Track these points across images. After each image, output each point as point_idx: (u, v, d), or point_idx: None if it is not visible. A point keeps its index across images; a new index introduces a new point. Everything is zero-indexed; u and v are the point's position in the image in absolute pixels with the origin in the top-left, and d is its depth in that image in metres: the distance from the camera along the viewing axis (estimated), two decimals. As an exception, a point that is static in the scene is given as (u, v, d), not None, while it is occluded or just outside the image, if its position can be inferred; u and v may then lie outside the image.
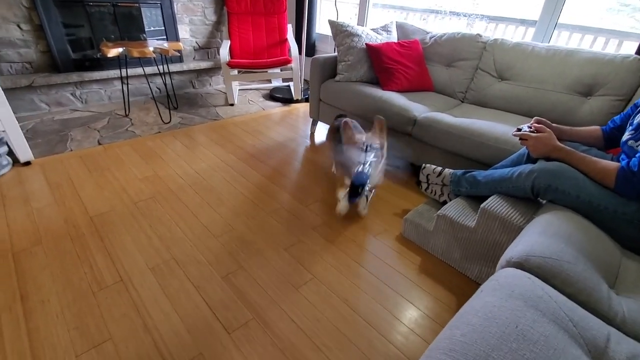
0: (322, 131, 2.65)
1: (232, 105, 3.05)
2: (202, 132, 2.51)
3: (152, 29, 2.90)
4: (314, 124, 2.60)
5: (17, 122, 1.85)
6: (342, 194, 1.61)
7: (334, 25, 2.28)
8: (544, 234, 0.95)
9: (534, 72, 1.90)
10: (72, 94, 2.68)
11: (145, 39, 2.82)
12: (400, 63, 2.18)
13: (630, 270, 0.92)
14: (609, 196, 1.03)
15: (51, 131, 2.34)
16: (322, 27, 3.65)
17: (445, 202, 1.56)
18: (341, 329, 1.12)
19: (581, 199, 1.05)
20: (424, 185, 1.65)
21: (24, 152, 1.92)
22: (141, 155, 2.12)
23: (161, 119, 2.62)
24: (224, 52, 2.84)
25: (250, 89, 3.52)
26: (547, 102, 1.84)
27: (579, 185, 1.07)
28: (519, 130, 1.29)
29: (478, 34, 2.15)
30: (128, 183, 1.83)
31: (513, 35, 2.60)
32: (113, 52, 2.23)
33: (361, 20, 3.19)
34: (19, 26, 2.34)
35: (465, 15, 2.78)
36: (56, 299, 1.16)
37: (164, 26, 2.94)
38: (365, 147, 1.45)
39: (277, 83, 3.61)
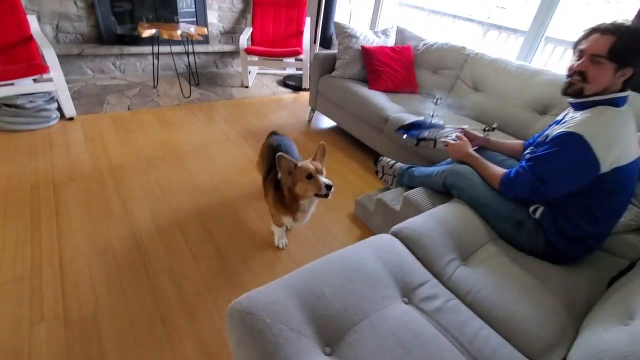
0: (318, 119, 2.97)
1: (246, 87, 3.41)
2: (215, 108, 2.90)
3: (184, 10, 3.29)
4: (312, 112, 2.92)
5: (66, 84, 2.31)
6: (278, 229, 1.57)
7: (337, 25, 2.56)
8: (428, 216, 1.24)
9: (502, 87, 2.10)
10: (113, 64, 3.14)
11: (177, 21, 3.22)
12: (389, 66, 2.43)
13: (487, 252, 1.19)
14: (492, 196, 1.29)
15: (92, 94, 2.81)
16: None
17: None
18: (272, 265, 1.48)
19: (473, 196, 1.33)
20: (380, 175, 1.94)
21: (70, 109, 2.39)
22: (160, 123, 2.55)
23: (182, 93, 3.04)
24: (244, 39, 3.19)
25: (267, 74, 3.87)
26: (508, 116, 2.05)
27: (472, 185, 1.34)
28: (447, 137, 1.57)
29: (463, 47, 2.35)
30: (145, 144, 2.26)
31: (507, 42, 2.75)
32: (147, 33, 2.64)
33: (374, 19, 3.41)
34: (75, 3, 2.80)
35: (477, 22, 2.94)
36: (79, 219, 1.60)
37: (195, 10, 3.33)
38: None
39: (291, 71, 3.92)
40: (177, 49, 3.23)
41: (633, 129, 1.12)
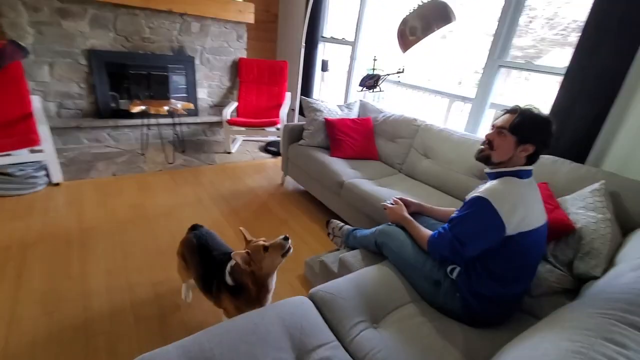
0: (289, 182, 3.15)
1: (229, 153, 3.68)
2: (195, 173, 3.12)
3: (178, 87, 3.71)
4: (284, 176, 3.11)
5: (55, 154, 2.56)
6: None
7: (303, 100, 2.87)
8: (347, 279, 1.32)
9: (447, 154, 2.29)
10: (108, 134, 3.47)
11: (169, 98, 3.61)
12: (349, 135, 2.67)
13: (402, 314, 1.24)
14: (417, 256, 1.38)
15: (84, 161, 3.08)
16: (320, 94, 4.30)
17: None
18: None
19: (398, 255, 1.42)
20: (331, 237, 2.04)
21: (57, 175, 2.62)
22: (139, 187, 2.74)
23: (167, 159, 3.30)
24: (227, 112, 3.54)
25: (252, 140, 4.18)
26: (452, 180, 2.20)
27: (400, 244, 1.44)
28: (386, 202, 1.70)
29: (414, 118, 2.60)
30: (119, 207, 2.43)
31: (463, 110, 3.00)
32: (137, 109, 2.98)
33: (346, 95, 3.79)
34: (78, 84, 3.21)
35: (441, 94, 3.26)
36: (38, 279, 1.69)
37: (187, 88, 3.75)
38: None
39: (273, 137, 4.24)
40: (168, 120, 3.58)
41: (537, 198, 1.24)
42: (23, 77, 2.66)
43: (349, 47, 3.64)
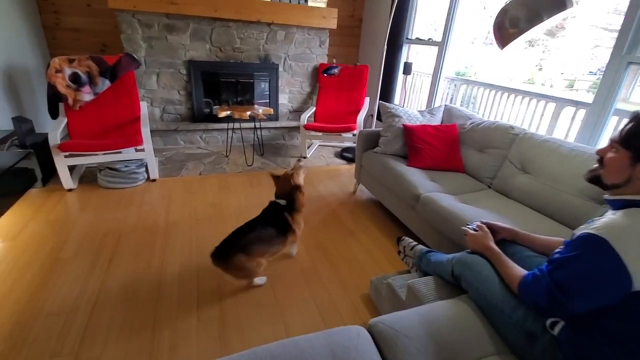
0: (362, 191, 3.00)
1: (304, 157, 3.70)
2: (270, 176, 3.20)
3: (261, 93, 3.89)
4: (357, 184, 2.98)
5: (153, 153, 2.88)
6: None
7: (381, 105, 2.70)
8: (414, 312, 1.13)
9: (552, 170, 1.88)
10: (199, 137, 3.81)
11: (253, 104, 3.80)
12: (429, 143, 2.41)
13: (484, 369, 1.00)
14: (504, 296, 1.11)
15: (177, 161, 3.41)
16: (401, 99, 4.07)
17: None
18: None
19: (480, 292, 1.17)
20: (402, 256, 1.83)
21: (154, 172, 2.93)
22: (219, 187, 2.91)
23: (246, 162, 3.46)
24: (304, 117, 3.57)
25: (328, 146, 4.16)
26: (558, 202, 1.79)
27: (481, 279, 1.19)
28: (468, 226, 1.44)
29: (511, 126, 2.22)
30: (200, 205, 2.59)
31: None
32: (223, 114, 3.18)
33: (430, 98, 3.49)
34: (178, 92, 3.59)
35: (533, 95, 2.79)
36: (125, 266, 1.88)
37: (269, 93, 3.90)
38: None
39: (349, 143, 4.13)
40: (250, 124, 3.77)
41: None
42: (135, 85, 3.05)
43: (435, 49, 3.35)
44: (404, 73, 3.39)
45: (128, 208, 2.49)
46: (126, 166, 2.76)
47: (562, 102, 2.46)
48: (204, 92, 3.66)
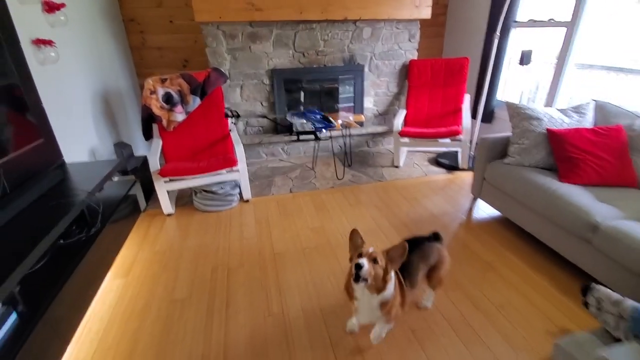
0: (482, 209, 2.55)
1: (397, 167, 3.32)
2: (366, 192, 2.88)
3: (345, 96, 3.58)
4: (474, 200, 2.54)
5: (247, 173, 2.70)
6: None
7: (511, 107, 2.23)
8: None
9: None
10: (281, 149, 3.61)
11: (338, 109, 3.51)
12: (590, 153, 1.90)
13: None
14: None
15: (264, 176, 3.23)
16: (503, 95, 3.51)
17: (619, 339, 1.27)
18: None
19: None
20: (593, 310, 1.39)
21: (247, 193, 2.76)
22: (315, 207, 2.66)
23: (336, 174, 3.17)
24: (398, 122, 3.18)
25: (419, 151, 3.73)
26: None
27: None
28: None
29: None
30: (302, 230, 2.35)
31: None
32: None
33: (552, 93, 2.91)
34: (261, 103, 3.42)
35: None
36: (243, 312, 1.67)
37: (354, 97, 3.58)
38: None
39: (444, 147, 3.66)
40: (337, 133, 3.48)
41: None
42: (222, 100, 2.91)
43: (561, 31, 2.76)
44: (521, 63, 2.84)
45: (229, 235, 2.33)
46: (222, 188, 2.61)
47: None
48: (286, 101, 3.45)
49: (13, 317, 1.25)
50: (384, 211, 2.56)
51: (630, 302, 1.29)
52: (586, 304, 1.44)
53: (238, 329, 1.58)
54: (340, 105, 3.58)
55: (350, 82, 3.51)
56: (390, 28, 3.39)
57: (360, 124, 3.42)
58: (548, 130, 2.05)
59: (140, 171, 2.60)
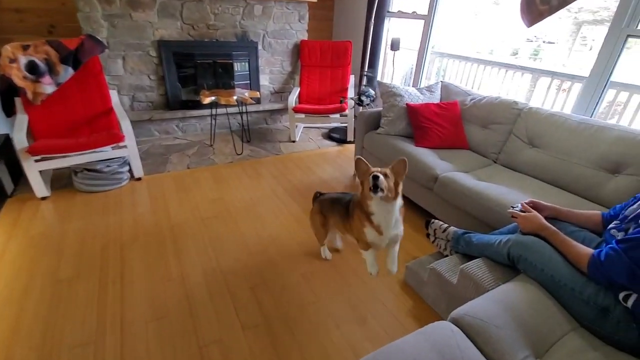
0: (365, 173, 2.98)
1: (293, 142, 3.57)
2: (264, 165, 3.05)
3: (240, 74, 3.62)
4: (357, 167, 2.94)
5: (137, 149, 2.58)
6: (367, 254, 1.57)
7: (381, 85, 2.64)
8: (491, 299, 1.14)
9: (563, 144, 1.98)
10: (176, 126, 3.49)
11: (234, 86, 3.53)
12: (435, 122, 2.42)
13: (568, 345, 1.05)
14: (570, 274, 1.16)
15: (158, 154, 3.11)
16: (384, 77, 4.02)
17: (447, 256, 1.75)
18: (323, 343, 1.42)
19: (545, 273, 1.20)
20: (432, 238, 1.86)
21: (139, 171, 2.65)
22: (214, 180, 2.72)
23: (235, 150, 3.25)
24: (292, 99, 3.40)
25: (314, 127, 4.04)
26: (572, 175, 1.90)
27: (544, 259, 1.22)
28: (513, 208, 1.47)
29: (514, 101, 2.28)
30: (201, 202, 2.40)
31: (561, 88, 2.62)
32: (207, 100, 2.92)
33: (417, 76, 3.48)
34: (149, 77, 3.22)
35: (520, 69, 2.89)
36: (141, 281, 1.70)
37: (249, 75, 3.64)
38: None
39: (336, 123, 4.05)
40: (232, 109, 3.51)
41: None
42: (102, 72, 2.68)
43: (421, 23, 3.31)
44: (392, 49, 3.32)
45: (120, 213, 2.24)
46: (108, 166, 2.45)
47: (559, 77, 2.57)
48: (177, 76, 3.32)
49: None
50: (281, 180, 2.78)
51: (452, 229, 1.77)
52: (428, 235, 1.90)
53: (135, 296, 1.61)
54: (236, 82, 3.61)
55: (245, 59, 3.55)
56: (281, 7, 3.53)
57: (257, 100, 3.52)
58: (407, 105, 2.51)
59: (2, 152, 2.25)
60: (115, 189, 2.51)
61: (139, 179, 2.66)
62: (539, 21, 1.50)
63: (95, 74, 2.65)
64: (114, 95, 2.77)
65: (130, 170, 2.65)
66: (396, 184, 1.41)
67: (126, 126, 2.48)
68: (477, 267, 1.40)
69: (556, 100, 2.70)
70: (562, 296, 1.16)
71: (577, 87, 2.43)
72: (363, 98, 3.17)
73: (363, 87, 3.28)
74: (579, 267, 1.16)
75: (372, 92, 3.20)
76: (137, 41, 3.04)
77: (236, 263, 1.85)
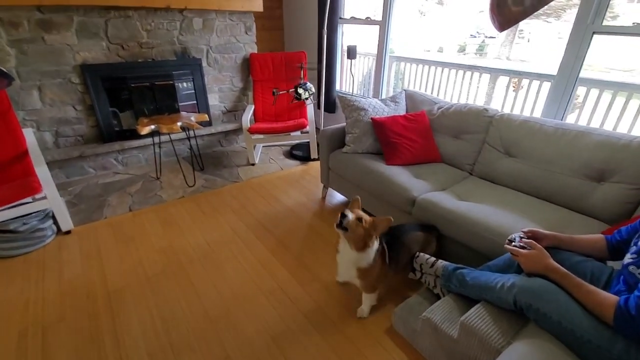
0: (332, 195, 2.73)
1: (253, 165, 3.25)
2: (221, 196, 2.70)
3: (185, 94, 3.24)
4: (324, 189, 2.69)
5: (60, 198, 2.15)
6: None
7: (342, 99, 2.40)
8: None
9: (541, 152, 1.84)
10: (115, 159, 3.04)
11: (178, 109, 3.15)
12: (404, 137, 2.22)
13: None
14: (593, 328, 0.96)
15: (93, 196, 2.66)
16: (343, 86, 3.82)
17: (439, 296, 1.53)
18: None
19: (563, 326, 1.00)
20: (418, 274, 1.63)
21: (66, 223, 2.21)
22: (162, 223, 2.33)
23: (186, 182, 2.87)
24: (246, 119, 3.08)
25: (274, 145, 3.73)
26: (555, 185, 1.76)
27: (560, 310, 1.02)
28: (510, 241, 1.27)
29: (485, 108, 2.14)
30: (145, 254, 2.02)
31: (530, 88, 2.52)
32: (146, 129, 2.53)
33: (377, 80, 3.31)
34: (74, 107, 2.76)
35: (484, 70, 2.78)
36: (64, 384, 1.31)
37: (195, 95, 3.28)
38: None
39: (297, 140, 3.78)
40: (181, 135, 3.13)
41: None
42: (11, 108, 2.22)
43: (376, 28, 3.13)
44: (348, 57, 3.12)
45: (43, 282, 1.81)
46: (24, 223, 2.00)
47: (527, 76, 2.46)
48: (109, 103, 2.88)
49: None
50: (242, 214, 2.45)
51: (440, 263, 1.55)
52: (413, 270, 1.67)
53: (56, 409, 1.23)
54: (182, 104, 3.23)
55: (189, 78, 3.19)
56: (224, 19, 3.21)
57: (207, 123, 3.17)
58: (372, 119, 2.29)
59: None
60: (37, 249, 2.06)
61: (68, 232, 2.22)
62: (512, 25, 1.34)
63: (3, 112, 2.18)
64: (28, 134, 2.31)
65: (56, 223, 2.20)
66: (368, 236, 1.36)
67: (43, 172, 2.05)
68: (479, 319, 1.18)
69: (527, 100, 2.55)
70: (587, 354, 0.97)
71: (546, 85, 2.32)
72: (300, 91, 2.94)
73: (301, 81, 3.05)
74: (601, 318, 0.97)
75: (310, 85, 3.03)
76: (55, 68, 2.58)
77: (191, 335, 1.52)
